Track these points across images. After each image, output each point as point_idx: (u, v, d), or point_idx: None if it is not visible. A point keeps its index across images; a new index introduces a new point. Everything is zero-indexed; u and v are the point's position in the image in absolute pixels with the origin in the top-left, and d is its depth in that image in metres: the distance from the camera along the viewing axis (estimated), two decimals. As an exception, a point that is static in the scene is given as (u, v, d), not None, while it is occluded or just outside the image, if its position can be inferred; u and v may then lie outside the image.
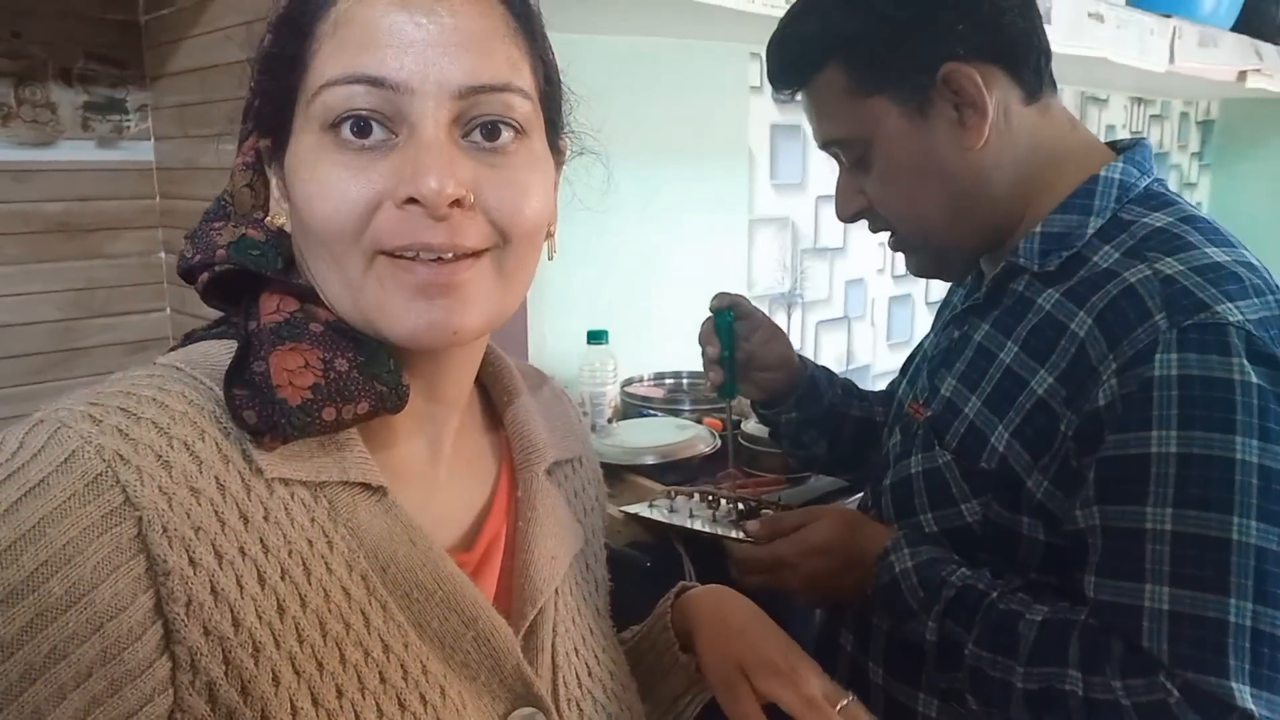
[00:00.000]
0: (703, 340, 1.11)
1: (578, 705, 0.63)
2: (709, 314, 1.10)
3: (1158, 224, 0.80)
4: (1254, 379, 0.70)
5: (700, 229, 1.91)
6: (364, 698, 0.51)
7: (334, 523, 0.53)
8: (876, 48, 0.85)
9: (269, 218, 0.57)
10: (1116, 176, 0.85)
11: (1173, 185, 3.38)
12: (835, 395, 1.14)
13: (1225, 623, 0.68)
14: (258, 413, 0.50)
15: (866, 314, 2.34)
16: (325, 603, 0.51)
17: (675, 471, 1.28)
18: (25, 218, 1.10)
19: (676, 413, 1.52)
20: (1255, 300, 0.73)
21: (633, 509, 1.12)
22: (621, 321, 1.61)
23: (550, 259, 0.61)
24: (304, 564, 0.51)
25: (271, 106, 0.55)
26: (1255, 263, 0.79)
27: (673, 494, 1.12)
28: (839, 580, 0.91)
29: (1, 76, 1.07)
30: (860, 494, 1.11)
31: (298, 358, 0.52)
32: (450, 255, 0.51)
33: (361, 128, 0.51)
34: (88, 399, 0.50)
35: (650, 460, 1.29)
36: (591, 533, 0.74)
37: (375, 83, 0.50)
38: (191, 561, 0.47)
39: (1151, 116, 3.30)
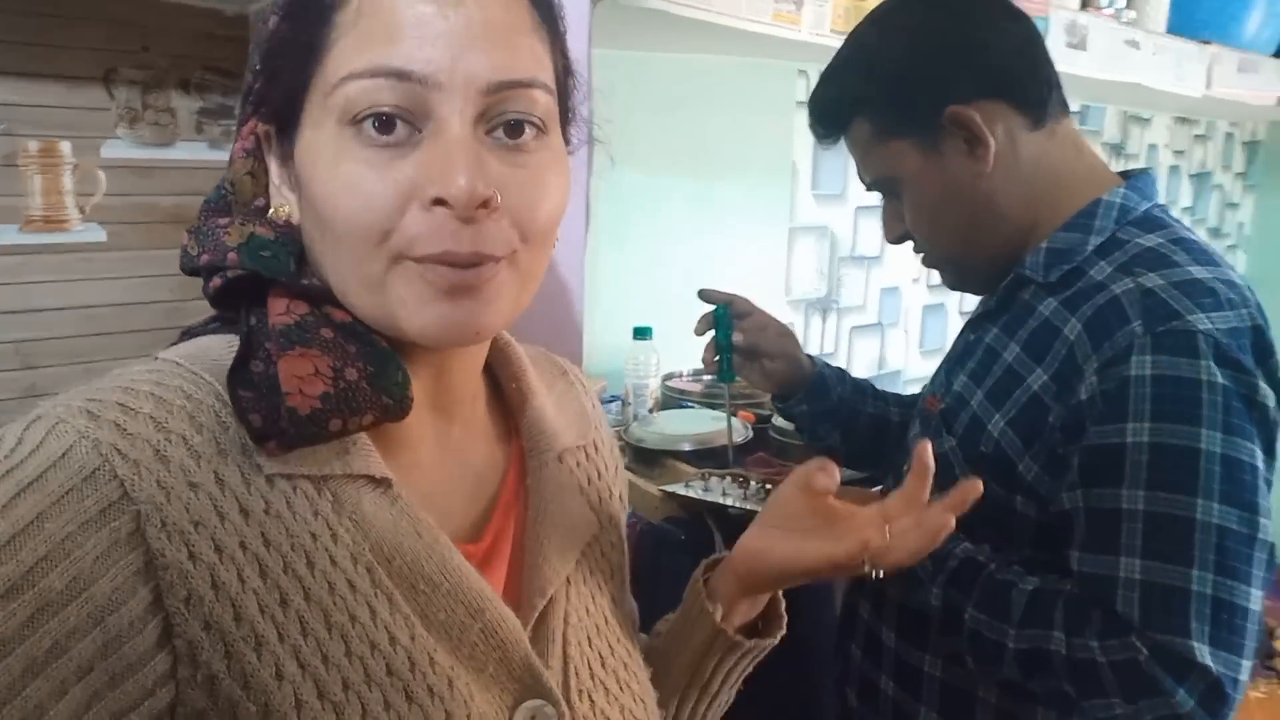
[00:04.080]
0: (698, 330, 1.23)
1: (589, 696, 0.62)
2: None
3: (1149, 244, 0.90)
4: (1220, 379, 0.79)
5: (743, 236, 2.02)
6: (371, 690, 0.50)
7: (338, 515, 0.52)
8: (888, 102, 0.97)
9: (273, 210, 0.55)
10: (1117, 201, 0.95)
11: (1214, 206, 3.45)
12: (845, 391, 1.24)
13: (1189, 591, 0.78)
14: (264, 417, 0.49)
15: (900, 321, 2.42)
16: (330, 595, 0.50)
17: (710, 458, 1.39)
18: (146, 209, 1.24)
19: (711, 406, 1.63)
20: (1228, 313, 0.83)
21: (670, 488, 1.24)
22: (666, 320, 1.73)
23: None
24: (307, 557, 0.50)
25: (280, 93, 0.53)
26: (1237, 280, 0.88)
27: (706, 475, 1.24)
28: (855, 553, 1.01)
29: (131, 84, 1.21)
30: (878, 485, 1.22)
31: (308, 364, 0.50)
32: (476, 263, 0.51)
33: (385, 123, 0.49)
34: (86, 395, 0.49)
35: (687, 446, 1.41)
36: (608, 520, 0.71)
37: (401, 76, 0.49)
38: (191, 555, 0.47)
39: (1195, 136, 3.34)
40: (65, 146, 1.17)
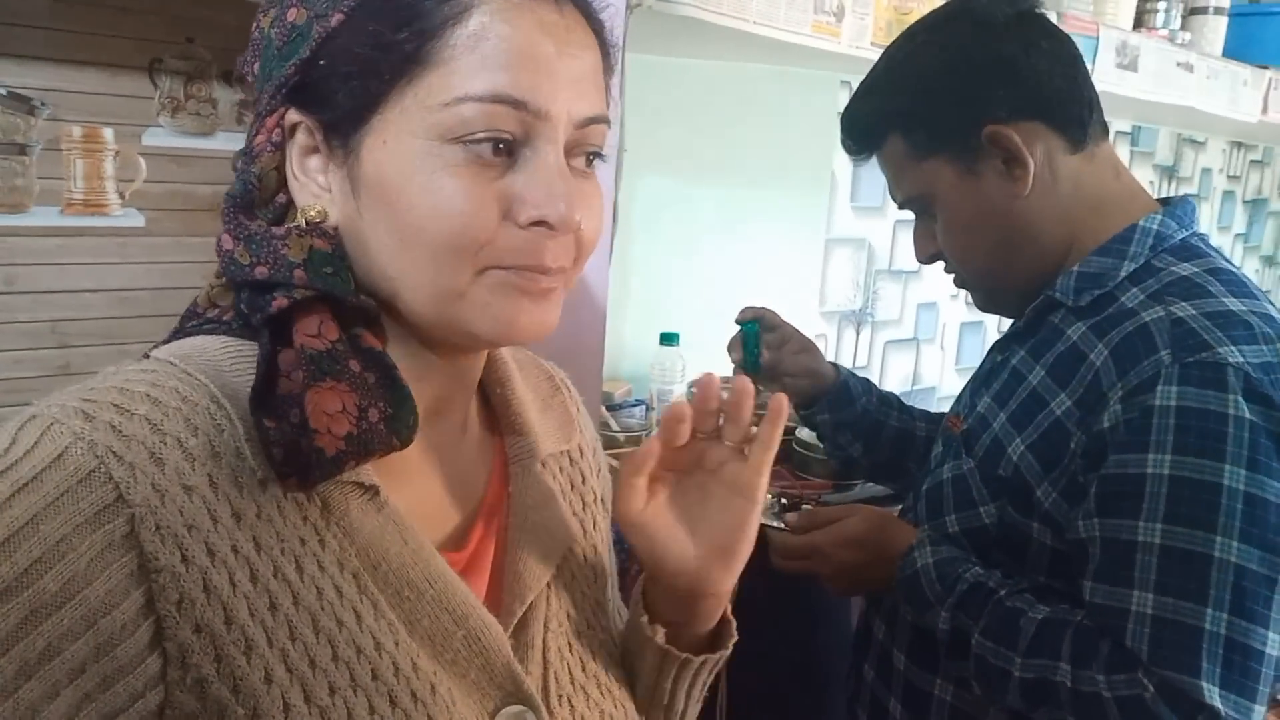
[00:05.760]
0: (730, 348, 1.22)
1: (569, 702, 0.62)
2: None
3: (1184, 273, 0.88)
4: (1247, 415, 0.77)
5: (778, 245, 2.01)
6: (356, 694, 0.51)
7: (326, 521, 0.52)
8: (925, 118, 0.96)
9: (302, 209, 0.54)
10: (1154, 227, 0.92)
11: (1270, 234, 3.36)
12: (870, 403, 1.22)
13: (1201, 629, 0.76)
14: (286, 451, 0.49)
15: (936, 337, 2.40)
16: (318, 600, 0.51)
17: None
18: (184, 197, 1.27)
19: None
20: (1262, 347, 0.81)
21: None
22: (695, 327, 1.72)
23: None
24: (296, 562, 0.51)
25: (353, 94, 0.52)
26: (1274, 314, 0.85)
27: (724, 485, 1.23)
28: (867, 571, 1.00)
29: (175, 74, 1.23)
30: (899, 503, 1.21)
31: (336, 400, 0.50)
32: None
33: (494, 145, 0.51)
34: (81, 395, 0.49)
35: (709, 455, 1.40)
36: (592, 524, 0.72)
37: (517, 105, 0.51)
38: (184, 559, 0.47)
39: (1252, 162, 3.26)
40: (108, 133, 1.19)
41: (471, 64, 0.50)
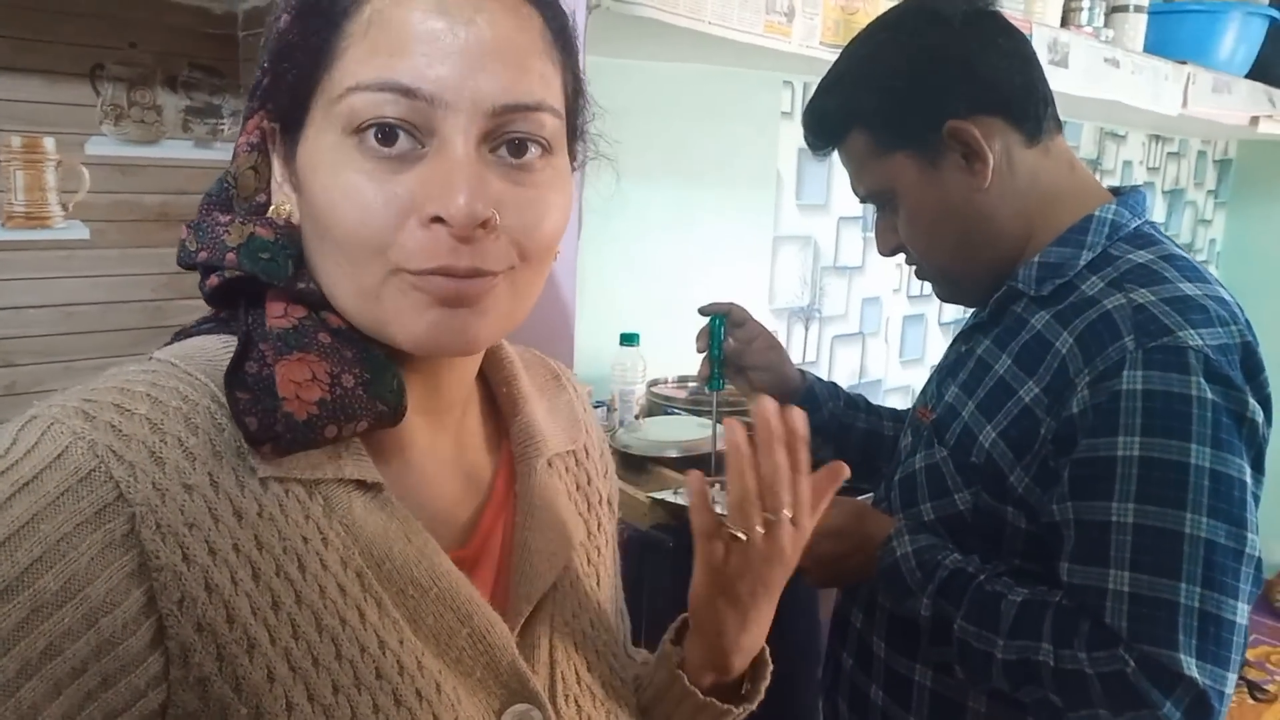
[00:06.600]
0: (698, 336, 1.24)
1: (576, 701, 0.63)
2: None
3: (1140, 260, 0.91)
4: (1209, 395, 0.81)
5: (728, 244, 2.02)
6: (360, 693, 0.51)
7: (329, 519, 0.52)
8: (888, 114, 0.98)
9: (274, 208, 0.55)
10: (1109, 217, 0.96)
11: (1187, 222, 3.50)
12: (837, 406, 1.25)
13: (1176, 604, 0.79)
14: (259, 420, 0.49)
15: (881, 331, 2.44)
16: (321, 599, 0.50)
17: (695, 465, 1.38)
18: (129, 207, 1.22)
19: (697, 413, 1.63)
20: (1218, 329, 0.84)
21: (658, 495, 1.23)
22: (653, 326, 1.73)
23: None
24: (299, 560, 0.50)
25: (287, 93, 0.53)
26: (1226, 298, 0.89)
27: (696, 483, 1.23)
28: (846, 561, 1.02)
29: (117, 81, 1.19)
30: (867, 493, 1.23)
31: (305, 369, 0.50)
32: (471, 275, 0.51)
33: (387, 135, 0.49)
34: (81, 395, 0.49)
35: (673, 454, 1.41)
36: (597, 526, 0.72)
37: (407, 92, 0.48)
38: (185, 557, 0.47)
39: (1169, 154, 3.39)
40: (49, 142, 1.15)
41: (363, 52, 0.49)
